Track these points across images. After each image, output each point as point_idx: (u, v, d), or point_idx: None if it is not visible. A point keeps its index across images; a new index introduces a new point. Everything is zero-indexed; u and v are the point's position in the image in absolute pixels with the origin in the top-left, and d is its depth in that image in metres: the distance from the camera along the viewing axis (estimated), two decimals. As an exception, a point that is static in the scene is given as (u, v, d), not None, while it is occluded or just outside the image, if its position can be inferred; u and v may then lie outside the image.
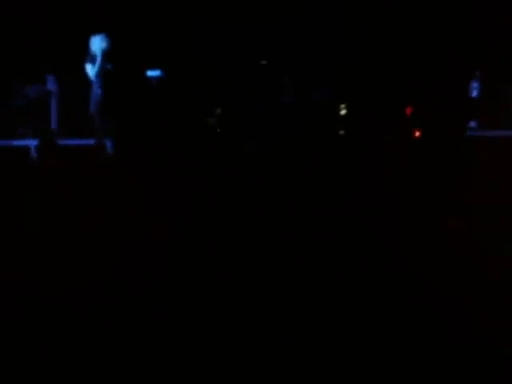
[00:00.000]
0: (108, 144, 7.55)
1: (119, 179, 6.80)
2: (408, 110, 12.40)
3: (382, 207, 5.79)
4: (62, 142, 11.02)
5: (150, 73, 11.05)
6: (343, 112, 11.80)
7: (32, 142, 10.11)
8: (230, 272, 3.84)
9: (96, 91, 7.59)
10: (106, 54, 7.48)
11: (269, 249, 4.36)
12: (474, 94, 13.81)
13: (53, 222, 5.20)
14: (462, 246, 4.35)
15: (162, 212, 5.65)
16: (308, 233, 4.86)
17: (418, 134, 12.02)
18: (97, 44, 7.53)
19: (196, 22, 11.60)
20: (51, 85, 12.13)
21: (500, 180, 6.97)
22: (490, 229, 4.77)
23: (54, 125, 11.61)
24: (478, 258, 4.04)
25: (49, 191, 6.55)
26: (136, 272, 3.87)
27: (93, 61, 7.55)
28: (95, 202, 5.89)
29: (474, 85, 13.74)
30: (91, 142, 8.18)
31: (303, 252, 4.27)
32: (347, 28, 12.66)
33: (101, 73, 7.50)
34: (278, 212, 5.62)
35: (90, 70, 7.60)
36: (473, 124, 13.64)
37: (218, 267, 3.95)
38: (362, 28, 12.69)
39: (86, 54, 7.63)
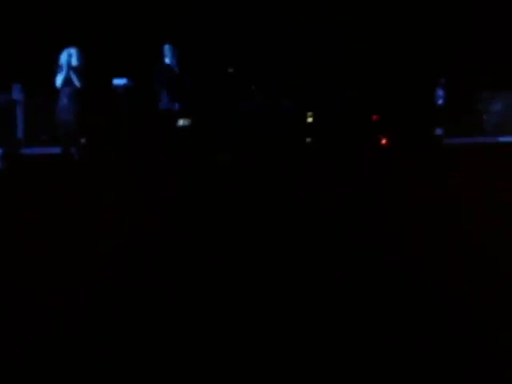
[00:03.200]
0: (74, 151, 7.56)
1: (87, 186, 6.78)
2: (374, 118, 12.53)
3: (352, 211, 5.82)
4: (28, 150, 10.96)
5: (117, 81, 10.97)
6: (310, 120, 11.89)
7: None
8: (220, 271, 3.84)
9: (62, 100, 7.64)
10: (71, 65, 7.59)
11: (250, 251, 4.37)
12: (440, 101, 13.99)
13: (23, 230, 5.15)
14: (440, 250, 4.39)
15: (136, 216, 5.63)
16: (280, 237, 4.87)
17: (384, 141, 12.15)
18: (65, 55, 7.67)
19: (166, 30, 11.62)
20: (17, 94, 12.07)
21: (470, 185, 7.09)
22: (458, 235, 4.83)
23: (19, 134, 11.53)
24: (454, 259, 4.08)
25: (16, 200, 6.51)
26: (122, 274, 3.86)
27: (61, 71, 7.65)
28: (64, 209, 5.85)
29: (440, 92, 13.92)
30: (57, 150, 8.16)
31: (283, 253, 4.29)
32: (315, 36, 12.78)
33: (65, 82, 7.59)
34: (252, 216, 5.64)
35: (58, 79, 7.68)
36: (439, 131, 13.81)
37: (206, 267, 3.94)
38: (330, 36, 12.81)
39: (56, 65, 7.73)
